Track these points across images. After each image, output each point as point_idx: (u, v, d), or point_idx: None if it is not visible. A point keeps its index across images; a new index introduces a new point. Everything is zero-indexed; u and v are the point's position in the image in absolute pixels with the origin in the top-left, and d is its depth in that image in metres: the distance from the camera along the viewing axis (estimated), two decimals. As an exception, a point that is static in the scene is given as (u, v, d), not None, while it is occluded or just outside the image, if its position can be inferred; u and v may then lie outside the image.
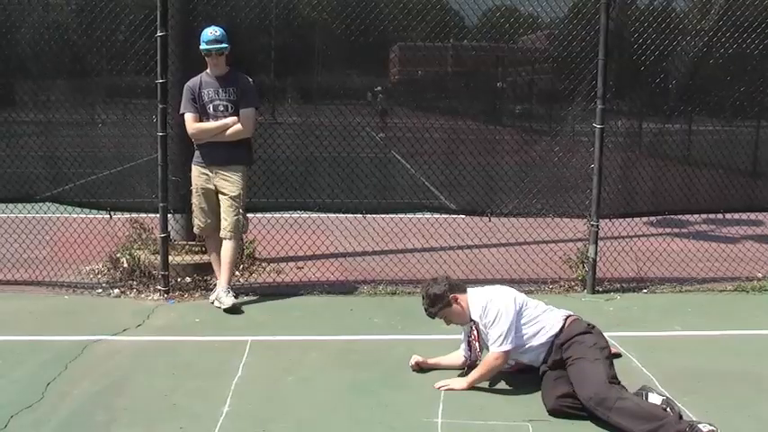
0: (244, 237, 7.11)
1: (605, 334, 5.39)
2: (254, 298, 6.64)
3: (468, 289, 4.87)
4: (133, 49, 6.83)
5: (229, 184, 6.38)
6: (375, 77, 8.19)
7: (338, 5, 7.24)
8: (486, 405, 4.46)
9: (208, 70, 6.39)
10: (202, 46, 6.28)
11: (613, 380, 4.35)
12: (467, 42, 7.68)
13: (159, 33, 6.47)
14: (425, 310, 4.79)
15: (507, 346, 4.57)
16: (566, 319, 4.70)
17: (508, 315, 4.58)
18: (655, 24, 7.10)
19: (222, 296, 6.30)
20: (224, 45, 6.28)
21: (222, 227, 6.43)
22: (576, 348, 4.50)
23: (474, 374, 4.68)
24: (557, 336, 4.62)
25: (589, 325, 4.70)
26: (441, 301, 4.72)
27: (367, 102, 7.98)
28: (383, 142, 7.68)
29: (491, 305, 4.64)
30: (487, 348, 4.70)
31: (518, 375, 4.83)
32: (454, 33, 7.59)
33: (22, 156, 7.21)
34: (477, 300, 4.74)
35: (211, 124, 6.35)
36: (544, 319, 4.69)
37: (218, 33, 6.27)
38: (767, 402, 4.56)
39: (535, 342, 4.64)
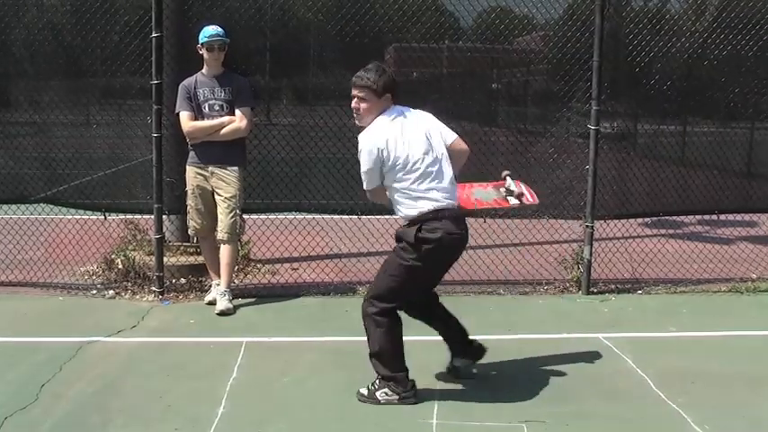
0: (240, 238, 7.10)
1: (599, 335, 5.42)
2: (250, 299, 6.64)
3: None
4: (128, 50, 6.82)
5: (226, 184, 6.36)
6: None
7: (333, 6, 7.24)
8: (481, 406, 4.46)
9: (203, 70, 6.37)
10: (204, 40, 6.24)
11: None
12: (462, 44, 7.69)
13: (154, 34, 6.46)
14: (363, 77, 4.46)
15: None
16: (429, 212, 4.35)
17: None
18: (649, 26, 7.12)
19: (218, 298, 6.30)
20: (226, 38, 6.29)
21: (219, 229, 6.41)
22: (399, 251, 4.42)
23: None
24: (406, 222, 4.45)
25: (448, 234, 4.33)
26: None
27: None
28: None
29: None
30: None
31: (516, 375, 4.83)
32: (449, 35, 7.60)
33: (17, 156, 7.21)
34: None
35: (207, 123, 6.33)
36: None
37: (218, 29, 6.28)
38: (762, 403, 4.57)
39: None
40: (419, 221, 4.34)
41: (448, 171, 4.45)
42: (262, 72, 7.69)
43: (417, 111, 4.60)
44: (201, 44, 6.27)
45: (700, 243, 8.31)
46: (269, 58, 7.62)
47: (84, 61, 7.14)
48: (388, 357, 4.46)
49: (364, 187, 4.55)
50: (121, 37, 6.88)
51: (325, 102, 7.45)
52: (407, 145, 4.38)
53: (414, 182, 4.36)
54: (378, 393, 4.48)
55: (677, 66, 7.35)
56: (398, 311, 4.50)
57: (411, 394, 4.47)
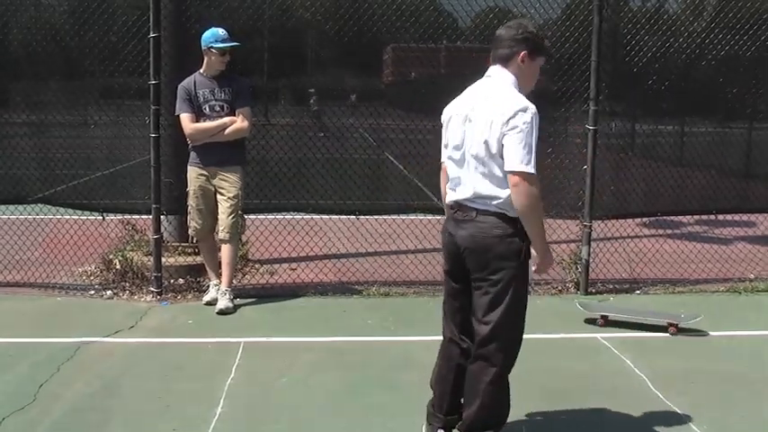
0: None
1: (598, 335, 5.42)
2: (248, 299, 6.63)
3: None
4: (126, 51, 6.82)
5: (228, 184, 6.35)
6: (368, 78, 8.19)
7: (332, 6, 7.24)
8: (480, 406, 4.45)
9: (201, 70, 6.34)
10: (218, 45, 6.16)
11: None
12: (460, 44, 7.69)
13: (152, 34, 6.45)
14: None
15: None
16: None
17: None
18: (648, 26, 7.13)
19: (219, 297, 6.30)
20: (237, 42, 6.28)
21: (220, 228, 6.39)
22: None
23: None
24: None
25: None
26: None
27: (351, 103, 7.98)
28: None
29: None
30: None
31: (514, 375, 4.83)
32: (447, 35, 7.61)
33: (15, 157, 7.20)
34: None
35: (210, 124, 6.30)
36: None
37: (225, 32, 6.25)
38: (759, 403, 4.58)
39: None
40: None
41: None
42: (260, 72, 7.69)
43: None
44: (215, 48, 6.19)
45: (698, 243, 8.32)
46: (267, 58, 7.62)
47: (82, 61, 7.14)
48: None
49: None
50: (119, 37, 6.87)
51: (324, 102, 7.45)
52: None
53: None
54: None
55: (675, 66, 7.36)
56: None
57: None
